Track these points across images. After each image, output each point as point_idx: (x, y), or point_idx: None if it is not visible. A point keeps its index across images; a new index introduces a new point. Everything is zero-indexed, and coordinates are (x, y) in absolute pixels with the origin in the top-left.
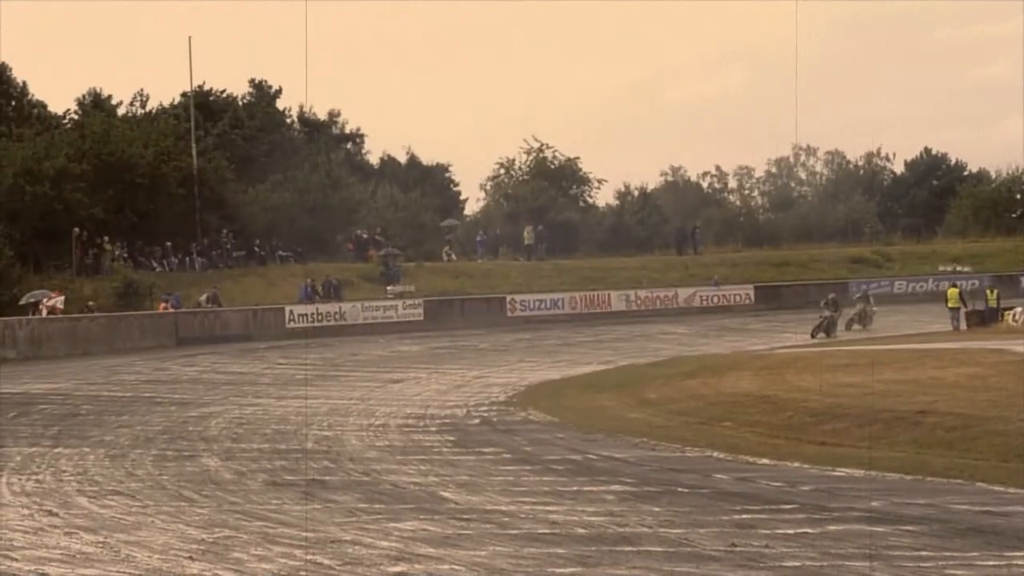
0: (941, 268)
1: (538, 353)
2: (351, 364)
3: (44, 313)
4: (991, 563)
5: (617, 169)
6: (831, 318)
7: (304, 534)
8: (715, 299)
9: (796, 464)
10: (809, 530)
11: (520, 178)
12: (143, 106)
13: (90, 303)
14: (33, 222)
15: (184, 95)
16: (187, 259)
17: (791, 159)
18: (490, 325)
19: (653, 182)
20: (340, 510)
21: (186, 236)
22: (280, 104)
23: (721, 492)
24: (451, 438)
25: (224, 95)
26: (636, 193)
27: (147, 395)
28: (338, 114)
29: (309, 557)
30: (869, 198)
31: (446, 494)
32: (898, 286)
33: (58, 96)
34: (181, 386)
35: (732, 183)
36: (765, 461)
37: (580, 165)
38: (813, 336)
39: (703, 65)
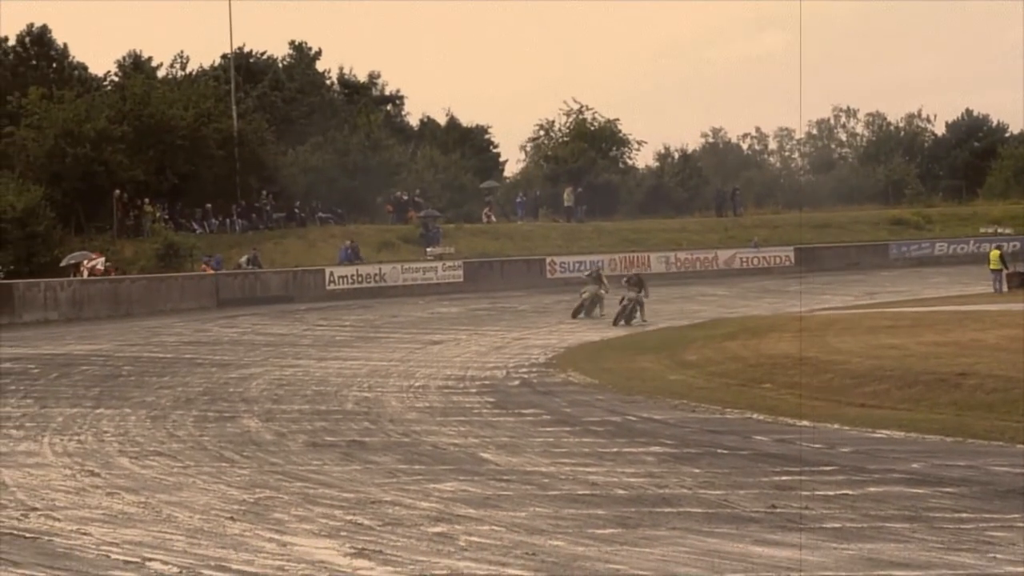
0: (982, 230)
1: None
2: (391, 326)
3: (85, 275)
4: None
5: (657, 131)
6: (635, 300)
7: (344, 495)
8: (755, 261)
9: (836, 426)
10: (849, 492)
11: (560, 140)
12: (183, 68)
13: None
14: (74, 184)
15: (224, 57)
16: (227, 221)
17: (831, 121)
18: (530, 287)
19: (693, 144)
20: (380, 471)
21: (226, 198)
22: (320, 66)
23: (761, 454)
24: (491, 399)
25: (264, 57)
26: (676, 155)
27: (188, 356)
28: (378, 76)
29: (349, 518)
30: (910, 160)
31: (486, 455)
32: (939, 248)
33: (99, 58)
34: (222, 347)
35: (772, 145)
36: (805, 423)
37: (620, 127)
38: (574, 315)
39: (744, 26)
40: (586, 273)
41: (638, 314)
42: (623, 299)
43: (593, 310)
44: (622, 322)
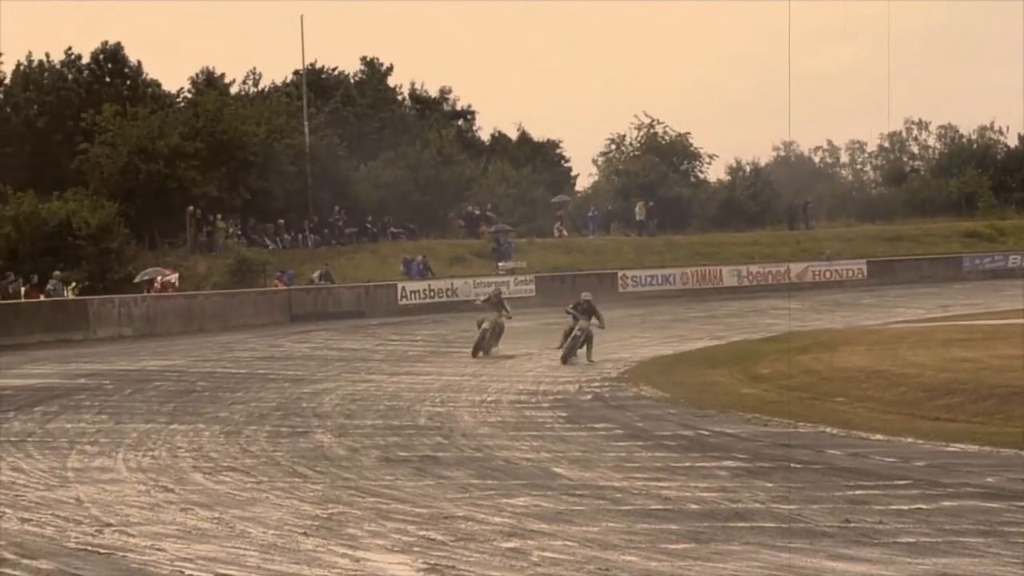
0: None
1: (649, 328)
2: (463, 340)
3: (158, 286)
4: None
5: (728, 144)
6: (586, 331)
7: (417, 510)
8: (827, 274)
9: (910, 439)
10: (923, 506)
11: (631, 154)
12: (255, 84)
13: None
14: (147, 200)
15: (296, 73)
16: (299, 236)
17: (903, 133)
18: (601, 301)
19: (765, 157)
20: (453, 486)
21: (298, 213)
22: (391, 81)
23: (834, 468)
24: (563, 414)
25: (336, 73)
26: (748, 168)
27: (261, 372)
28: (449, 91)
29: (422, 533)
30: (982, 172)
31: (558, 470)
32: (1012, 260)
33: (172, 75)
34: (294, 362)
35: (844, 158)
36: (878, 436)
37: (691, 140)
38: (475, 353)
39: (815, 39)
40: (481, 298)
41: (585, 348)
42: (573, 329)
43: (494, 344)
44: (573, 357)
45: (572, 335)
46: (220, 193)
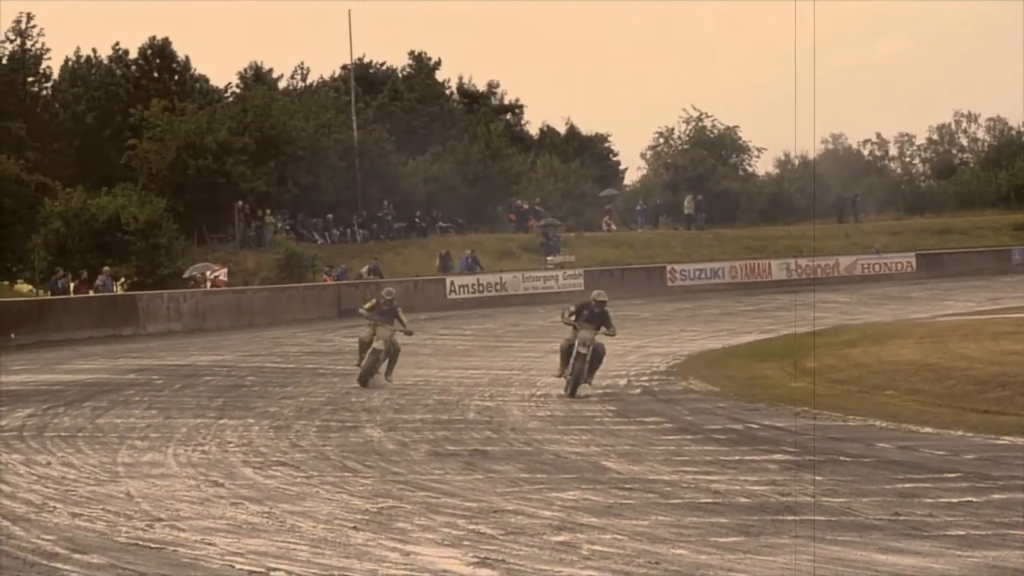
0: None
1: (698, 322)
2: (512, 334)
3: (208, 286)
4: None
5: (776, 137)
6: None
7: (467, 504)
8: (876, 267)
9: (959, 432)
10: (973, 499)
11: (679, 147)
12: (303, 79)
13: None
14: (196, 195)
15: (344, 68)
16: (348, 231)
17: (952, 126)
18: (650, 295)
19: (813, 150)
20: (502, 480)
21: (347, 208)
22: (439, 75)
23: (884, 461)
24: (612, 408)
25: (384, 67)
26: (796, 161)
27: (310, 366)
28: (497, 85)
29: (472, 527)
30: None
31: (608, 464)
32: None
33: (220, 71)
34: (343, 357)
35: (893, 151)
36: (928, 430)
37: (739, 134)
38: (363, 381)
39: (864, 31)
40: (364, 306)
41: (585, 372)
42: (573, 346)
43: (379, 368)
44: (570, 389)
45: (575, 354)
46: (269, 188)
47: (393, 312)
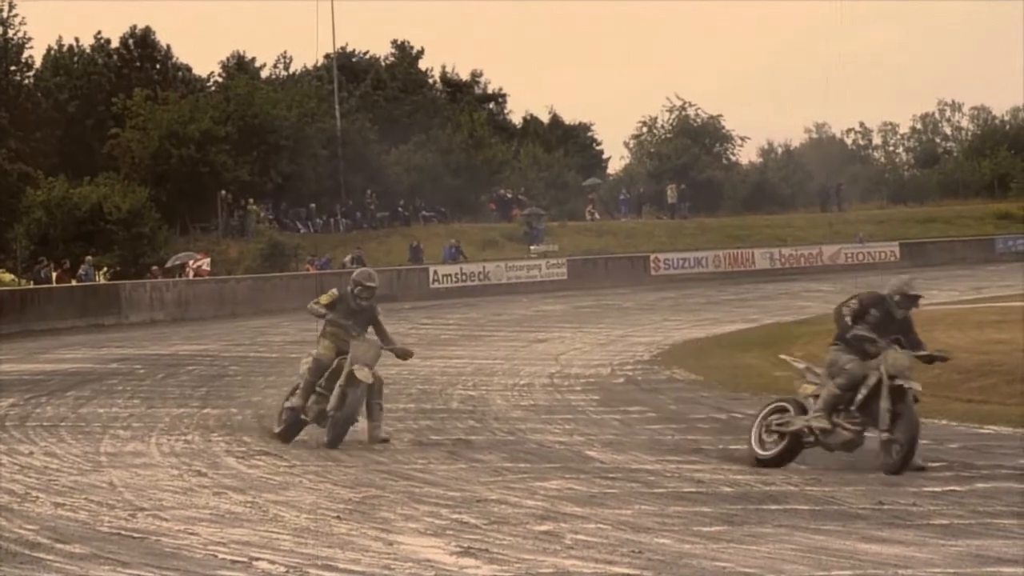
0: None
1: (682, 311)
2: (495, 324)
3: (191, 275)
4: None
5: (760, 126)
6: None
7: (450, 493)
8: (860, 256)
9: (944, 422)
10: (957, 488)
11: (663, 136)
12: (286, 69)
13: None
14: (179, 185)
15: (327, 57)
16: (331, 220)
17: (936, 115)
18: (634, 284)
19: (797, 139)
20: (486, 469)
21: (330, 197)
22: (422, 65)
23: (867, 450)
24: (596, 397)
25: (367, 56)
26: (780, 150)
27: (293, 356)
28: (480, 74)
29: (455, 516)
30: (1015, 153)
31: (591, 453)
32: None
33: (202, 60)
34: None
35: (877, 139)
36: None
37: (723, 122)
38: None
39: (848, 22)
40: (320, 300)
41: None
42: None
43: (356, 418)
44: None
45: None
46: (251, 177)
47: (371, 314)
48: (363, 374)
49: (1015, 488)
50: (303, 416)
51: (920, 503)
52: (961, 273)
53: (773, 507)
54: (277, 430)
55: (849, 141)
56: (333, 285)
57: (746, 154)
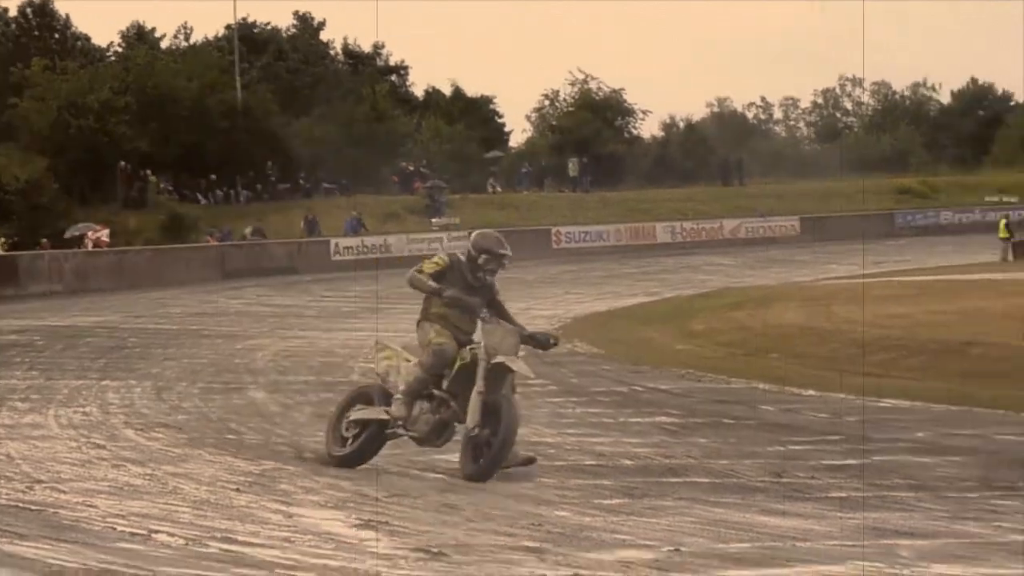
0: (987, 199)
1: (584, 285)
2: (397, 296)
3: (89, 246)
4: None
5: (662, 100)
6: None
7: None
8: (761, 230)
9: (842, 395)
10: (855, 461)
11: (565, 110)
12: (187, 39)
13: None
14: (78, 155)
15: (228, 28)
16: (232, 192)
17: (837, 90)
18: (536, 257)
19: (698, 113)
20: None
21: (231, 169)
22: (324, 36)
23: (767, 423)
24: None
25: (268, 28)
26: (681, 124)
27: (193, 328)
28: (382, 46)
29: (356, 489)
30: (915, 129)
31: None
32: (944, 217)
33: (102, 29)
34: (227, 319)
35: (778, 114)
36: (811, 392)
37: (625, 96)
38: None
39: None
40: (425, 267)
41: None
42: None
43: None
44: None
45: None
46: (151, 148)
47: (492, 292)
48: (522, 367)
49: (912, 461)
50: (397, 431)
51: (818, 476)
52: (861, 248)
53: (673, 480)
54: (339, 452)
55: (750, 116)
56: (233, 257)
57: (648, 128)
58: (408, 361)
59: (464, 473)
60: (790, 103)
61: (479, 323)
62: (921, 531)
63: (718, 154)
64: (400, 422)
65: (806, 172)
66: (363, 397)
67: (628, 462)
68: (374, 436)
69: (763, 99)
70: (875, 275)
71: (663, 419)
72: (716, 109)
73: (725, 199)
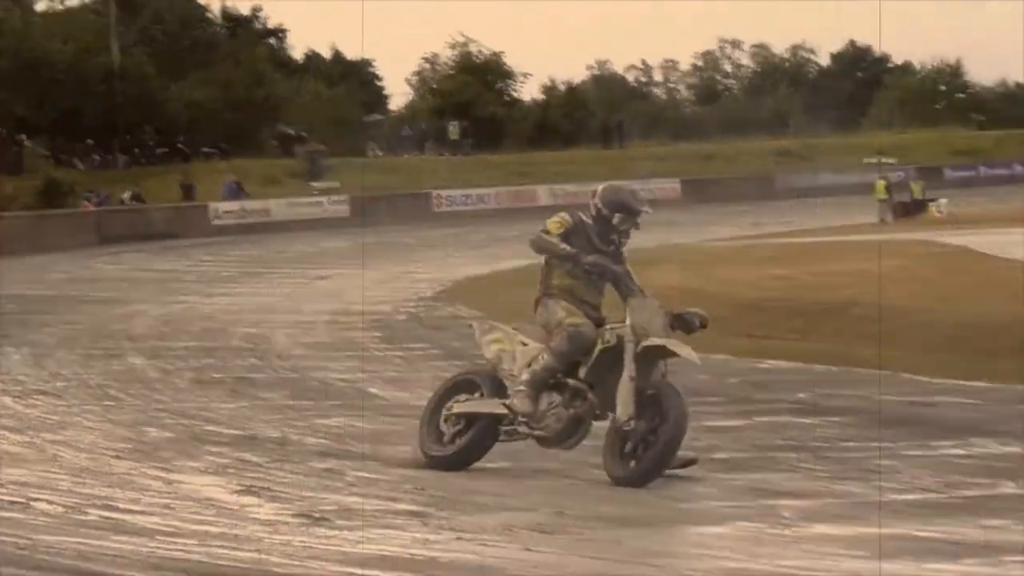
0: (866, 160)
1: (465, 248)
2: (277, 261)
3: None
4: (917, 453)
5: (542, 63)
6: None
7: (231, 432)
8: (643, 193)
9: (724, 357)
10: (737, 423)
11: (445, 73)
12: (62, 2)
13: None
14: None
15: None
16: (109, 157)
17: (717, 52)
18: (417, 220)
19: (579, 76)
20: (267, 407)
21: (108, 134)
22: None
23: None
24: (378, 334)
25: None
26: (562, 87)
27: (72, 294)
28: (260, 9)
29: (236, 455)
30: (794, 91)
31: (374, 390)
32: (824, 178)
33: None
34: (106, 284)
35: (658, 77)
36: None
37: (505, 59)
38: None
39: None
40: (550, 226)
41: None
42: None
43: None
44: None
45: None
46: (27, 113)
47: (621, 258)
48: (688, 352)
49: (794, 422)
50: (519, 428)
51: (700, 437)
52: (741, 209)
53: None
54: (439, 451)
55: (631, 78)
56: (110, 223)
57: (528, 91)
58: (525, 345)
59: (613, 476)
60: (669, 65)
61: (623, 299)
62: (803, 492)
63: (598, 117)
64: (524, 418)
65: (686, 134)
66: (467, 386)
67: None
68: (484, 433)
69: (643, 62)
70: (755, 237)
71: None
72: (597, 72)
73: (606, 162)
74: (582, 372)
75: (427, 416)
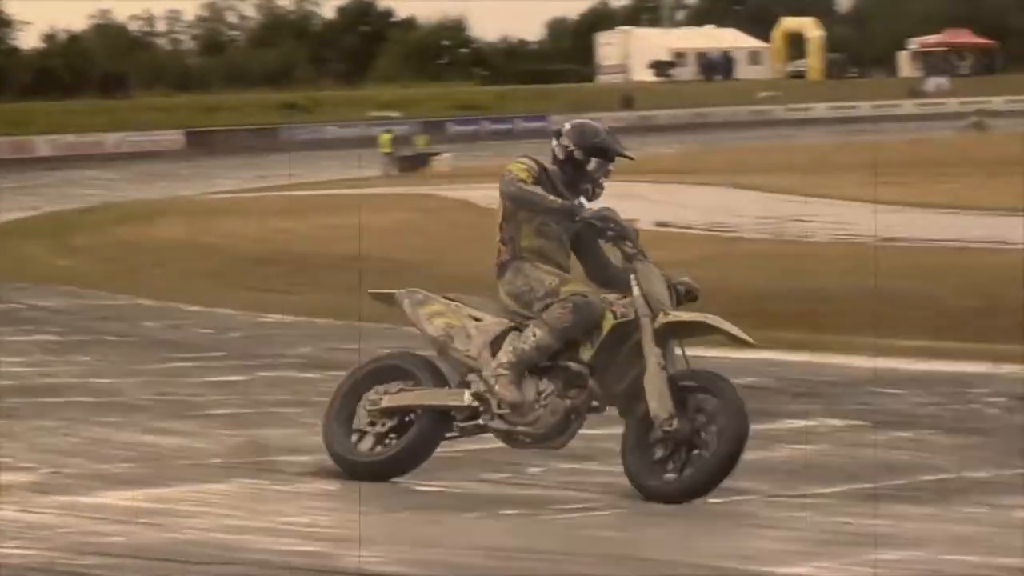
0: (371, 114)
1: None
2: None
3: None
4: None
5: (44, 12)
6: None
7: None
8: (144, 144)
9: (226, 311)
10: (239, 377)
11: None
12: None
13: None
14: None
15: None
16: None
17: (220, 3)
18: None
19: (81, 25)
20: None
21: None
22: None
23: (150, 340)
24: None
25: None
26: (63, 36)
27: None
28: None
29: None
30: (299, 43)
31: None
32: (330, 132)
33: None
34: None
35: (161, 27)
36: (195, 308)
37: (3, 7)
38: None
39: None
40: (520, 170)
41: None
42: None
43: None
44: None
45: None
46: None
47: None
48: (735, 329)
49: (296, 377)
50: (491, 423)
51: (201, 392)
52: (246, 162)
53: (54, 399)
54: (366, 457)
55: (135, 28)
56: None
57: (28, 39)
58: (478, 320)
59: (643, 486)
60: (174, 16)
61: (628, 262)
62: (303, 447)
63: (100, 67)
64: (505, 410)
65: (191, 85)
66: (392, 373)
67: (8, 383)
68: (429, 431)
69: (147, 11)
70: (260, 190)
71: (44, 337)
72: (99, 21)
73: (108, 112)
74: (584, 354)
75: (332, 413)
